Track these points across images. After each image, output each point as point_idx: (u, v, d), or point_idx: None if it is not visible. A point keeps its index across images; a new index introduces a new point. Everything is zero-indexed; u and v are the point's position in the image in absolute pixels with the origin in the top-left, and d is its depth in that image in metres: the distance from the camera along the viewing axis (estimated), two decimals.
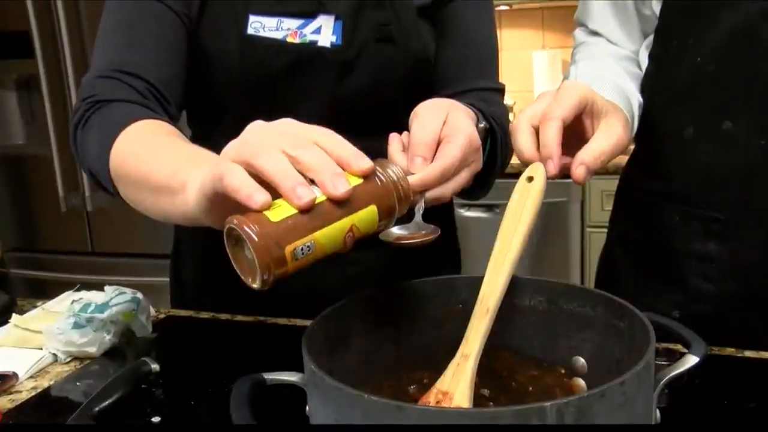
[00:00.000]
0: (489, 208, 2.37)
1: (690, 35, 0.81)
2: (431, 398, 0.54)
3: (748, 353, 0.76)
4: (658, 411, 0.48)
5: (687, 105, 0.82)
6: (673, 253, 0.86)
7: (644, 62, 0.90)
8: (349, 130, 0.61)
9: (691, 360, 0.48)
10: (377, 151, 0.62)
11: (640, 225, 0.92)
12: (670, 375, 0.47)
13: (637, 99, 0.82)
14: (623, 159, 0.97)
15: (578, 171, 0.60)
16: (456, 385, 0.52)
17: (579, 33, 0.99)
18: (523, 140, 0.62)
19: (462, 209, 2.40)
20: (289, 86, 0.87)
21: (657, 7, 0.86)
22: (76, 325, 0.83)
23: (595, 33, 0.96)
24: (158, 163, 0.62)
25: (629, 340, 0.51)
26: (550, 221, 2.35)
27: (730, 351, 0.76)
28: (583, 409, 0.38)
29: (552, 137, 0.60)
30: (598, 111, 0.64)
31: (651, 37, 0.89)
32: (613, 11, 0.92)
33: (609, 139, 0.62)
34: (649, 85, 0.88)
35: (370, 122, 0.81)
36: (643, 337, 0.47)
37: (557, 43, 2.78)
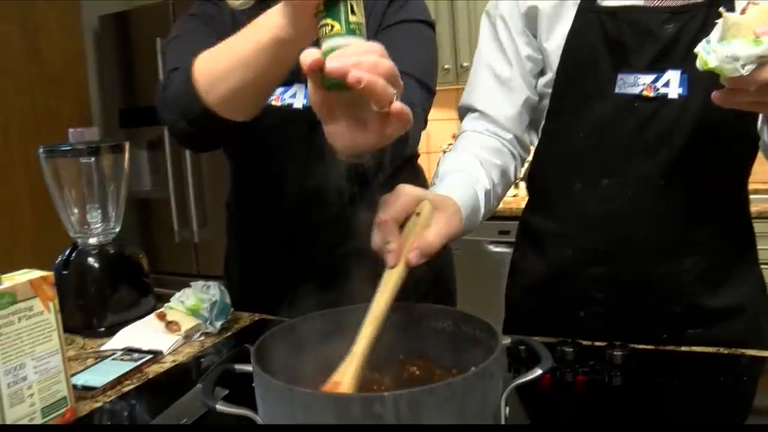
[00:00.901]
0: (511, 244, 2.38)
1: (574, 116, 0.89)
2: (329, 386, 0.56)
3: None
4: (507, 408, 0.54)
5: (575, 166, 0.90)
6: (570, 275, 0.93)
7: (525, 135, 0.97)
8: (326, 160, 0.68)
9: (536, 372, 0.54)
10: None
11: (538, 257, 0.98)
12: (516, 382, 0.54)
13: (483, 186, 0.84)
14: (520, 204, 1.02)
15: (411, 255, 0.63)
16: (345, 376, 0.56)
17: (466, 121, 0.98)
18: (374, 239, 0.66)
19: (491, 245, 2.42)
20: (275, 137, 0.98)
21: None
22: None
23: (482, 114, 0.96)
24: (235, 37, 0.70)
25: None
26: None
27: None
28: (415, 400, 0.45)
29: (387, 236, 0.63)
30: (421, 207, 0.67)
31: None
32: (498, 84, 0.94)
33: (439, 231, 0.65)
34: (542, 152, 0.96)
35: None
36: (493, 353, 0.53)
37: None
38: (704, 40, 0.66)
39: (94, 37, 2.76)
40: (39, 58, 2.39)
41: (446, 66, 2.55)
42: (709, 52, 0.64)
